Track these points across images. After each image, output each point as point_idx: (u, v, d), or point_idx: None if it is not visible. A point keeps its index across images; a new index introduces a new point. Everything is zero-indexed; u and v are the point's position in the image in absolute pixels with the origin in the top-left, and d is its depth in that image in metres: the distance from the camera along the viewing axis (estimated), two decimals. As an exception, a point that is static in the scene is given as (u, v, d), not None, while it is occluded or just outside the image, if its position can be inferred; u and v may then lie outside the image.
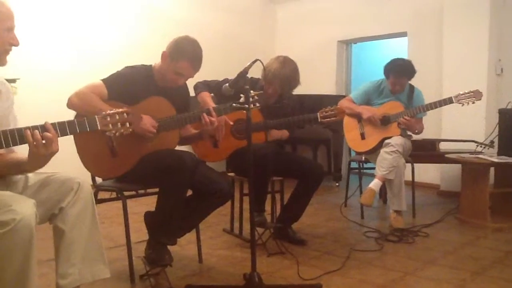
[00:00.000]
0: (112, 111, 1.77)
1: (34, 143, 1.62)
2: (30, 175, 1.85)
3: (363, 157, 3.95)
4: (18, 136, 1.62)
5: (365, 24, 6.12)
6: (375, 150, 3.70)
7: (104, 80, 2.38)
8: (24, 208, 1.51)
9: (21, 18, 4.72)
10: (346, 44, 6.64)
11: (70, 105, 2.29)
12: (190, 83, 2.71)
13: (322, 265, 2.71)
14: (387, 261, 2.81)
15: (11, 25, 1.74)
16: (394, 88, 3.75)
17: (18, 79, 3.85)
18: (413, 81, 3.82)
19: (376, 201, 4.11)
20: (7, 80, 2.64)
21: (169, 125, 2.45)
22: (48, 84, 4.59)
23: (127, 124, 1.79)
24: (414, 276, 2.57)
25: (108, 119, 1.76)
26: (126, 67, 2.51)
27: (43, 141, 1.62)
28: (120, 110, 1.78)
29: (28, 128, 1.63)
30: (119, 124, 1.77)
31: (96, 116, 1.75)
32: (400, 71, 3.70)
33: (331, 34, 6.49)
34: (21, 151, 1.80)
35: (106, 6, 5.21)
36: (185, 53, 2.42)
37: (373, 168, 3.75)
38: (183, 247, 2.91)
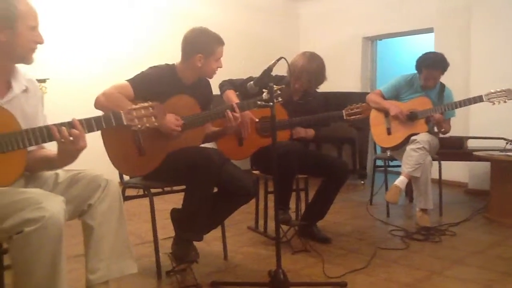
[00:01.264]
0: (137, 106, 1.82)
1: (62, 140, 1.67)
2: (60, 172, 1.90)
3: (389, 154, 3.91)
4: (46, 133, 1.68)
5: (391, 21, 6.05)
6: (401, 147, 3.66)
7: (129, 81, 2.43)
8: (53, 205, 1.55)
9: (50, 20, 4.86)
10: (371, 41, 6.58)
11: (98, 105, 2.35)
12: (214, 81, 2.74)
13: (347, 263, 2.70)
14: (413, 260, 2.78)
15: (35, 24, 1.78)
16: (426, 83, 3.68)
17: (48, 79, 3.94)
18: (441, 79, 3.76)
19: (402, 199, 4.06)
20: (37, 80, 2.71)
21: (194, 123, 2.47)
22: (76, 83, 4.69)
23: (152, 118, 1.83)
24: (441, 275, 2.54)
25: (134, 113, 1.80)
26: (150, 67, 2.55)
27: (71, 138, 1.67)
28: (145, 104, 1.83)
29: (55, 125, 1.67)
30: (144, 118, 1.82)
31: (121, 111, 1.80)
32: (433, 63, 3.63)
33: (356, 31, 6.44)
34: (52, 148, 1.85)
35: (130, 6, 5.29)
36: (212, 39, 2.52)
37: (399, 166, 3.71)
38: (209, 244, 2.94)
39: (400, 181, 3.48)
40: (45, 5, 4.55)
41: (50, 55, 4.47)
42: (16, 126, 1.69)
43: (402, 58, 6.81)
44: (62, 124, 1.69)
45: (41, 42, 1.81)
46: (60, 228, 1.55)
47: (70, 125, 1.69)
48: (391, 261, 2.76)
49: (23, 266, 1.53)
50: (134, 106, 1.82)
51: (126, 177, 2.63)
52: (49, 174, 1.90)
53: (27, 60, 1.81)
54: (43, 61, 4.38)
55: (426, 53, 3.72)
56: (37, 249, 1.51)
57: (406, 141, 3.60)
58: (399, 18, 5.97)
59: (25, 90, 1.86)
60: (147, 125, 1.83)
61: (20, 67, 1.87)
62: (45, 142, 1.70)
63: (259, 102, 2.31)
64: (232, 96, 2.93)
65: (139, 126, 1.82)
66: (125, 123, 1.80)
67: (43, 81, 3.83)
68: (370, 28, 6.32)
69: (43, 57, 4.28)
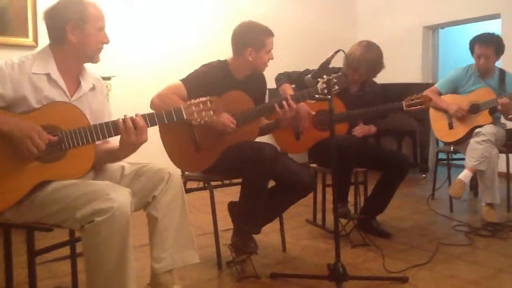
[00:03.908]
0: (196, 100, 1.89)
1: (126, 131, 1.77)
2: (126, 165, 1.99)
3: (452, 148, 3.77)
4: (112, 127, 1.79)
5: (453, 7, 5.80)
6: (465, 140, 3.52)
7: (183, 80, 2.48)
8: (121, 196, 1.64)
9: (115, 20, 5.05)
10: (433, 30, 6.34)
11: (153, 106, 2.40)
12: (270, 75, 2.75)
13: (408, 258, 2.65)
14: (478, 257, 2.68)
15: (102, 25, 1.89)
16: (478, 63, 3.51)
17: (113, 76, 4.11)
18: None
19: (466, 193, 3.90)
20: (103, 78, 2.82)
21: (247, 118, 2.49)
22: (139, 80, 4.86)
23: (211, 112, 1.90)
24: (509, 273, 2.43)
25: (193, 108, 1.88)
26: (203, 65, 2.58)
27: (135, 131, 1.77)
28: (203, 99, 1.90)
29: (121, 118, 1.78)
30: (203, 112, 1.89)
31: (181, 106, 1.88)
32: (483, 38, 3.48)
33: (416, 20, 6.22)
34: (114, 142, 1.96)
35: (187, 5, 5.40)
36: (261, 31, 2.54)
37: (463, 159, 3.57)
38: (267, 236, 2.98)
39: (464, 175, 3.35)
40: (110, 7, 4.75)
41: (115, 54, 4.66)
42: (85, 122, 1.80)
43: (466, 47, 6.52)
44: (127, 117, 1.79)
45: (107, 42, 1.92)
46: (127, 218, 1.63)
47: (134, 118, 1.79)
48: (455, 257, 2.67)
49: (94, 253, 1.63)
50: (193, 101, 1.89)
51: (187, 170, 2.71)
52: (116, 167, 2.00)
53: (94, 59, 1.91)
54: (109, 60, 4.58)
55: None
56: (106, 237, 1.60)
57: (470, 134, 3.46)
58: (462, 5, 5.70)
59: (93, 88, 1.97)
60: (206, 119, 1.90)
61: (87, 66, 1.98)
62: (111, 136, 1.81)
63: (316, 96, 2.30)
64: (289, 90, 2.93)
65: (198, 120, 1.89)
66: (185, 117, 1.88)
67: (108, 78, 3.99)
68: (431, 16, 6.08)
69: (108, 56, 4.48)
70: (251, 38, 2.52)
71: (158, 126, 2.39)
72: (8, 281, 1.87)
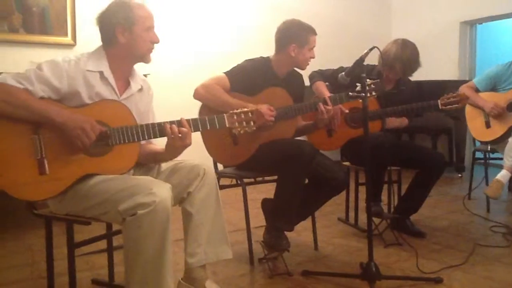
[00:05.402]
0: (239, 111, 1.94)
1: (172, 136, 1.83)
2: (162, 162, 2.05)
3: (489, 147, 3.67)
4: (158, 129, 1.85)
5: (492, 2, 5.62)
6: (503, 139, 3.41)
7: (226, 73, 2.53)
8: (162, 191, 1.69)
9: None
10: (470, 25, 6.17)
11: (197, 95, 2.48)
12: (304, 72, 2.76)
13: (443, 259, 2.60)
14: (517, 259, 2.61)
15: (150, 25, 1.95)
16: None
17: (149, 74, 4.17)
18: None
19: (504, 194, 3.80)
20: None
21: (286, 115, 2.52)
22: (174, 78, 4.93)
23: (252, 123, 1.95)
24: (549, 276, 2.36)
25: (235, 117, 1.94)
26: (246, 60, 2.63)
27: (179, 135, 1.83)
28: (246, 110, 1.95)
29: (168, 122, 1.84)
30: (244, 122, 1.94)
31: (224, 115, 1.93)
32: None
33: (453, 15, 6.06)
34: (158, 143, 2.02)
35: (224, 2, 5.44)
36: (305, 29, 2.56)
37: (501, 159, 3.47)
38: (299, 234, 2.98)
39: (502, 175, 3.25)
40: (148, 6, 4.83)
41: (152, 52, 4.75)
42: (132, 121, 1.87)
43: (505, 43, 6.34)
44: (173, 122, 1.85)
45: (157, 42, 1.97)
46: (168, 212, 1.68)
47: (179, 123, 1.85)
48: (492, 258, 2.61)
49: (134, 245, 1.68)
50: (236, 111, 1.95)
51: (220, 168, 2.74)
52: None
53: (145, 59, 1.98)
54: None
55: None
56: (148, 230, 1.65)
57: (508, 133, 3.36)
58: (503, -1, 5.54)
59: (140, 89, 2.04)
60: (246, 129, 1.95)
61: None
62: (157, 137, 1.88)
63: (350, 94, 2.29)
64: (322, 88, 2.93)
65: (239, 129, 1.95)
66: (227, 125, 1.94)
67: (145, 76, 4.07)
68: (469, 11, 5.92)
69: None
70: (295, 34, 2.55)
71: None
72: (50, 271, 1.95)
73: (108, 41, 1.92)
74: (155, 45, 1.97)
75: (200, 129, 1.92)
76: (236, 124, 1.94)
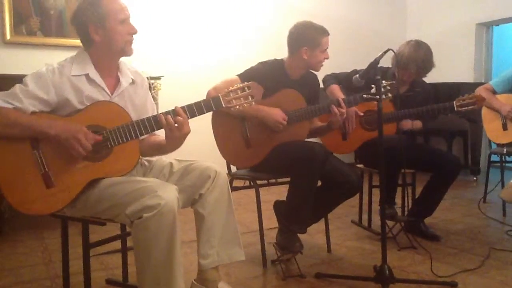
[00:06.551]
0: (233, 87, 1.89)
1: (169, 127, 1.80)
2: (174, 162, 2.04)
3: (505, 150, 3.63)
4: (154, 122, 1.82)
5: (509, 3, 5.55)
6: (520, 142, 3.38)
7: (239, 75, 2.54)
8: (168, 193, 1.68)
9: (164, 21, 5.19)
10: (487, 26, 6.10)
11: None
12: (319, 74, 2.76)
13: (458, 263, 2.58)
14: (534, 263, 2.58)
15: (124, 16, 1.88)
16: None
17: (163, 76, 4.21)
18: None
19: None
20: (152, 77, 2.87)
21: (299, 117, 2.52)
22: (188, 80, 4.96)
23: (250, 98, 1.89)
24: None
25: (231, 95, 1.88)
26: (260, 62, 2.64)
27: (176, 125, 1.80)
28: (241, 85, 1.89)
29: (162, 113, 1.81)
30: (241, 98, 1.88)
31: (219, 95, 1.88)
32: None
33: (469, 16, 6.00)
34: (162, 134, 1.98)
35: (238, 4, 5.46)
36: (316, 31, 2.55)
37: (518, 162, 3.43)
38: (313, 236, 2.98)
39: (519, 179, 3.22)
40: (160, 8, 4.88)
41: (165, 54, 4.79)
42: (127, 118, 1.85)
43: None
44: (167, 112, 1.82)
45: (134, 32, 1.91)
46: (174, 214, 1.68)
47: (174, 112, 1.82)
48: (508, 263, 2.58)
49: (143, 247, 1.69)
50: (230, 88, 1.89)
51: (233, 169, 2.75)
52: (164, 164, 2.05)
53: (126, 52, 1.91)
54: (158, 60, 4.72)
55: None
56: (155, 232, 1.66)
57: (526, 135, 3.32)
58: (518, 1, 5.46)
59: (132, 82, 2.01)
60: (245, 105, 1.89)
61: (126, 61, 2.02)
62: (154, 130, 1.85)
63: (365, 96, 2.28)
64: (337, 91, 2.92)
65: (237, 106, 1.88)
66: (223, 105, 1.87)
67: (158, 78, 4.09)
68: (485, 12, 5.85)
69: (157, 56, 4.59)
70: (306, 37, 2.55)
71: (211, 121, 2.44)
72: (65, 270, 1.97)
73: (86, 42, 1.89)
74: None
75: (197, 114, 1.85)
76: (234, 101, 1.87)
